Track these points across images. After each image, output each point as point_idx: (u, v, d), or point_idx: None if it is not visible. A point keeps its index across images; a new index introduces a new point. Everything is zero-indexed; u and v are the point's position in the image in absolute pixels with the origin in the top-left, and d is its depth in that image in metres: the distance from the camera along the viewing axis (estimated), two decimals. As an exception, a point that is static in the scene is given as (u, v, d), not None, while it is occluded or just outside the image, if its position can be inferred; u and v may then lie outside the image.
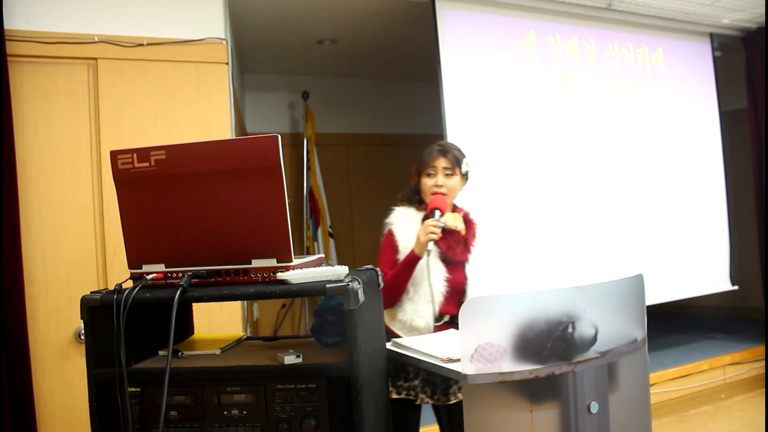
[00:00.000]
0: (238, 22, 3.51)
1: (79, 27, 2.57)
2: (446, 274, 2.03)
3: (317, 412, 1.28)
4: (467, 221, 2.16)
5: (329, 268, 1.34)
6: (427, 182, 2.09)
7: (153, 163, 1.31)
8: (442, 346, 1.54)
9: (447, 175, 2.08)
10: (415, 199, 2.15)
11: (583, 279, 3.34)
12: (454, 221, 2.07)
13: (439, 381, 1.96)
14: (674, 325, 5.13)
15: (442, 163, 2.08)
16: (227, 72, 2.78)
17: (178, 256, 1.35)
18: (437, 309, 1.99)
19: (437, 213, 2.01)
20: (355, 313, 1.26)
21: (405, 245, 2.04)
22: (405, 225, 2.10)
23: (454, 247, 2.06)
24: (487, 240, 2.18)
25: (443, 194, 2.06)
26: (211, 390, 1.31)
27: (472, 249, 2.11)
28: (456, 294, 2.04)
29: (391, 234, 2.11)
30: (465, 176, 2.15)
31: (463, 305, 1.24)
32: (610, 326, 1.36)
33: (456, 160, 2.09)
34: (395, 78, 5.35)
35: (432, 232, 1.95)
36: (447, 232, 2.04)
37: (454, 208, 2.16)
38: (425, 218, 2.05)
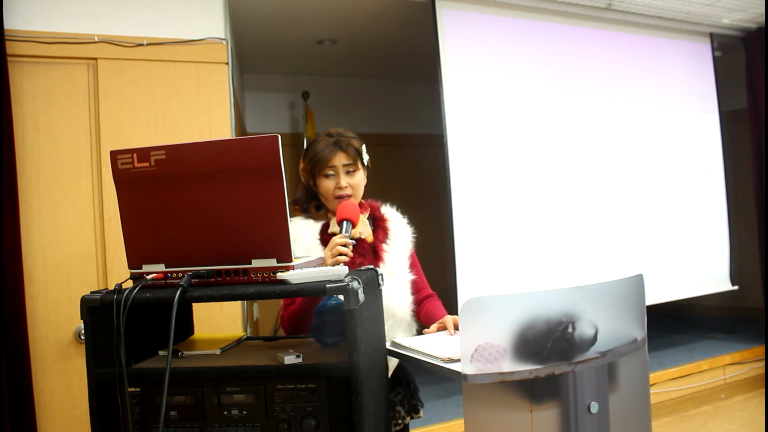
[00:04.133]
0: (238, 22, 3.51)
1: (79, 27, 2.57)
2: None
3: (317, 412, 1.28)
4: (377, 219, 1.90)
5: (329, 268, 1.34)
6: (327, 185, 1.80)
7: (153, 163, 1.31)
8: (442, 346, 1.54)
9: (349, 172, 1.81)
10: (312, 205, 1.87)
11: (583, 279, 3.35)
12: (360, 227, 1.80)
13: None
14: (674, 325, 5.13)
15: (341, 159, 1.80)
16: (227, 72, 2.78)
17: (178, 256, 1.35)
18: None
19: (347, 225, 1.71)
20: (355, 313, 1.26)
21: None
22: (302, 239, 1.80)
23: (361, 262, 1.78)
24: (404, 234, 1.91)
25: (349, 196, 1.80)
26: (211, 390, 1.31)
27: (384, 254, 1.83)
28: None
29: None
30: (367, 166, 1.88)
31: (462, 305, 1.24)
32: (610, 326, 1.36)
33: (356, 152, 1.82)
34: (395, 78, 5.35)
35: (341, 253, 1.65)
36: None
37: (360, 205, 1.89)
38: (325, 228, 1.80)
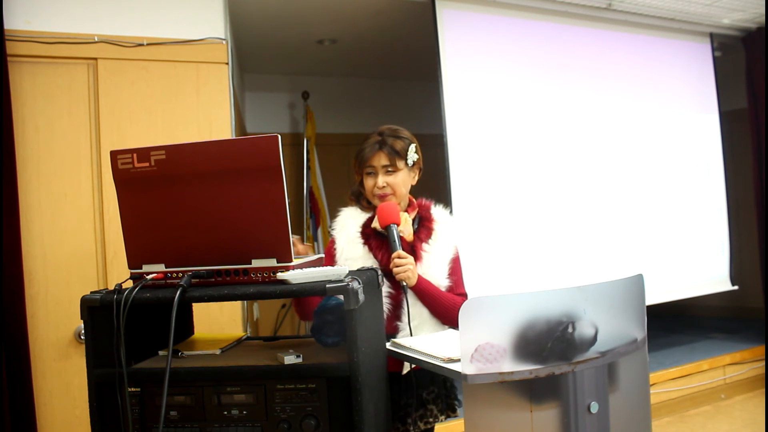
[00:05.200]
0: (238, 22, 3.51)
1: (79, 27, 2.57)
2: (389, 290, 1.80)
3: (317, 412, 1.28)
4: (423, 219, 1.91)
5: (329, 268, 1.34)
6: (368, 183, 1.87)
7: (153, 163, 1.31)
8: (442, 346, 1.54)
9: (388, 172, 1.84)
10: (363, 198, 1.93)
11: (583, 279, 3.35)
12: (402, 225, 1.83)
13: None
14: (674, 325, 5.13)
15: (381, 160, 1.84)
16: (227, 72, 2.78)
17: (178, 256, 1.35)
18: None
19: (394, 230, 1.77)
20: (355, 313, 1.26)
21: (344, 254, 1.83)
22: (347, 229, 1.87)
23: None
24: (449, 237, 1.92)
25: (387, 195, 1.84)
26: (211, 390, 1.31)
27: (423, 254, 1.85)
28: (397, 310, 1.80)
29: (332, 243, 1.88)
30: (415, 165, 1.90)
31: (463, 305, 1.24)
32: (610, 326, 1.36)
33: (396, 153, 1.83)
34: (395, 78, 5.34)
35: (405, 271, 1.74)
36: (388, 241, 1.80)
37: (409, 204, 1.93)
38: (369, 222, 1.86)
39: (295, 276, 1.28)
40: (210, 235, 1.33)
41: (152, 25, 2.68)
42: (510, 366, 1.25)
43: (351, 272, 1.39)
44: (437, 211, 1.95)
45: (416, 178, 1.94)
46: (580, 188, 3.79)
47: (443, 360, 1.42)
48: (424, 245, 1.87)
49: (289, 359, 1.33)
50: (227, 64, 2.78)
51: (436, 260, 1.87)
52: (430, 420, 1.87)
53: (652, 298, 3.66)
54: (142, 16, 2.68)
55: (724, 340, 4.52)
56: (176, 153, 1.31)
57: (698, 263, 4.23)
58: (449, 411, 1.93)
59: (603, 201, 3.86)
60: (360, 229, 1.87)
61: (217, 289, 1.30)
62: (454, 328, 1.87)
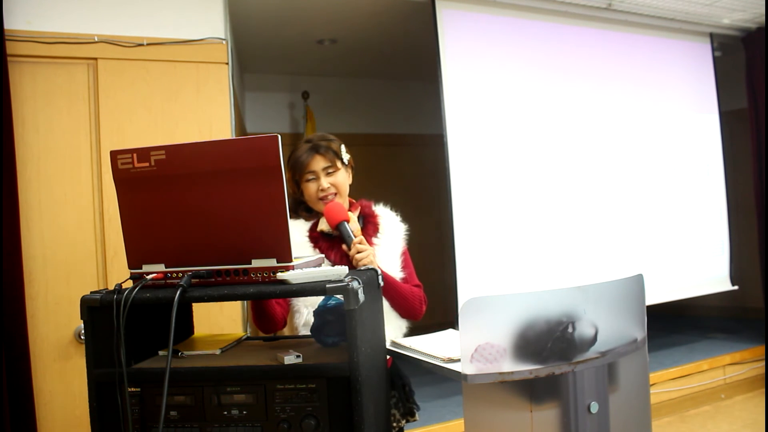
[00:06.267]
0: (238, 22, 3.51)
1: (79, 27, 2.57)
2: None
3: (317, 412, 1.28)
4: (367, 216, 1.94)
5: (329, 268, 1.34)
6: (310, 188, 1.86)
7: (153, 163, 1.31)
8: (442, 346, 1.54)
9: (329, 173, 1.86)
10: (301, 209, 1.93)
11: (583, 279, 3.35)
12: (350, 224, 1.83)
13: None
14: (674, 325, 5.13)
15: (319, 163, 1.85)
16: (227, 72, 2.78)
17: (178, 256, 1.35)
18: None
19: (346, 226, 1.78)
20: (355, 313, 1.26)
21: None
22: (292, 237, 1.93)
23: (352, 256, 1.80)
24: (395, 231, 1.94)
25: (333, 195, 1.85)
26: (211, 390, 1.31)
27: (375, 248, 1.87)
28: None
29: None
30: (349, 164, 1.92)
31: (462, 305, 1.24)
32: (610, 326, 1.36)
33: (333, 152, 1.86)
34: (395, 78, 5.35)
35: (367, 256, 1.74)
36: (339, 239, 1.80)
37: (351, 204, 1.94)
38: (314, 227, 1.86)
39: (295, 276, 1.28)
40: (210, 235, 1.33)
41: (152, 25, 2.69)
42: (510, 366, 1.25)
43: (351, 272, 1.39)
44: (379, 208, 1.98)
45: (351, 176, 1.95)
46: (580, 188, 3.79)
47: (443, 360, 1.42)
48: (374, 240, 1.89)
49: (289, 359, 1.33)
50: (227, 64, 2.78)
51: (388, 253, 1.89)
52: (393, 425, 1.88)
53: (653, 298, 3.66)
54: (142, 16, 2.68)
55: (724, 340, 4.52)
56: (176, 153, 1.31)
57: (698, 263, 4.23)
58: (408, 416, 1.95)
59: (603, 201, 3.86)
60: (308, 234, 1.87)
61: (217, 289, 1.30)
62: (411, 318, 1.90)
